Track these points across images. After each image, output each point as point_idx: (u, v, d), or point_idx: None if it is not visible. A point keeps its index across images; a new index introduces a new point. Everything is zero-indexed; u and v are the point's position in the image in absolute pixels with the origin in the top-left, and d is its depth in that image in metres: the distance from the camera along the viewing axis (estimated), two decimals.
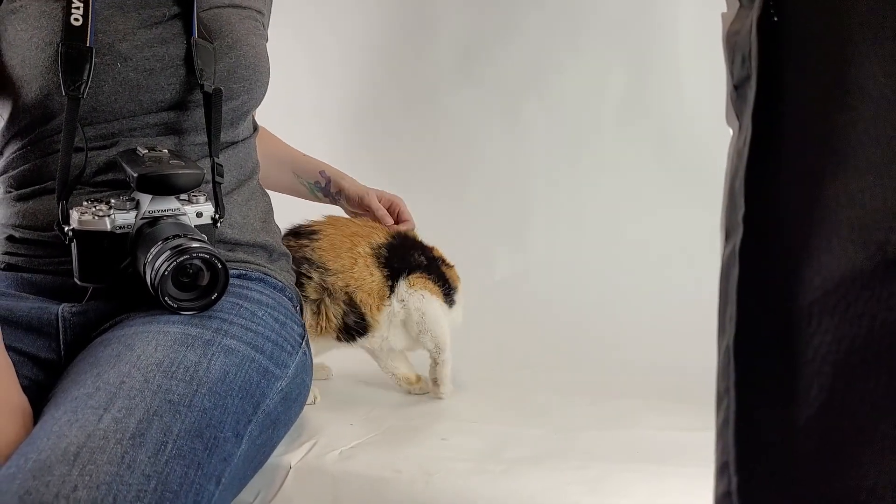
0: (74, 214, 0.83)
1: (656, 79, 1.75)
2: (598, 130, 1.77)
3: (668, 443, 0.95)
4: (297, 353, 0.91)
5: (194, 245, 0.80)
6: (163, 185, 0.83)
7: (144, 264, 0.81)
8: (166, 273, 0.78)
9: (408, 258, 1.15)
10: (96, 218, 0.82)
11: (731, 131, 0.51)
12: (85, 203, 0.84)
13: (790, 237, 0.43)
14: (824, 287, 0.41)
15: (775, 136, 0.45)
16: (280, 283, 0.99)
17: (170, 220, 0.85)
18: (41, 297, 0.88)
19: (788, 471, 0.42)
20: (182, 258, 0.78)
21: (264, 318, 0.89)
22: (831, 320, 0.41)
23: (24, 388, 0.78)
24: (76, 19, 0.85)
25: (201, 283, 0.82)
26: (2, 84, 0.90)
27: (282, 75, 1.36)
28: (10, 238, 0.92)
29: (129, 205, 0.85)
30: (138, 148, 0.86)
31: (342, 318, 1.10)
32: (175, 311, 0.81)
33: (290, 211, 1.18)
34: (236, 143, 0.99)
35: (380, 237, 1.15)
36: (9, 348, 0.80)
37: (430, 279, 1.14)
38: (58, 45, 0.85)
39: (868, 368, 0.40)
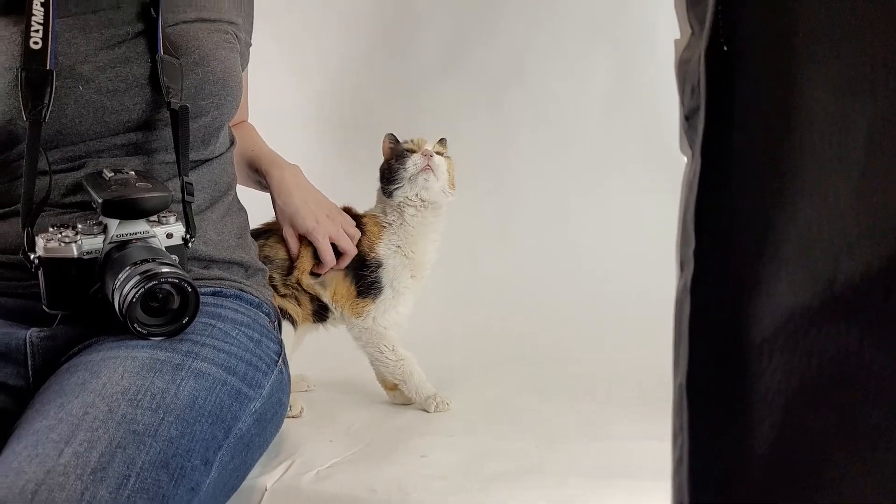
0: (40, 241, 0.82)
1: (640, 69, 1.73)
2: (583, 122, 1.75)
3: (648, 454, 0.94)
4: (272, 371, 0.90)
5: (164, 270, 0.79)
6: (129, 209, 0.82)
7: (113, 290, 0.80)
8: (135, 299, 0.77)
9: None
10: (62, 245, 0.81)
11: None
12: (51, 229, 0.83)
13: (741, 272, 0.43)
14: (774, 323, 0.41)
15: (725, 168, 0.44)
16: (256, 299, 0.98)
17: (139, 244, 0.84)
18: (8, 322, 0.86)
19: None
20: (151, 283, 0.78)
21: (238, 337, 0.88)
22: (781, 357, 0.40)
23: None
24: (35, 42, 0.84)
25: (171, 307, 0.81)
26: None
27: (262, 77, 1.35)
28: None
29: (96, 229, 0.83)
30: (104, 171, 0.85)
31: (311, 303, 1.17)
32: (145, 337, 0.80)
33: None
34: (210, 160, 0.98)
35: None
36: None
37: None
38: (17, 69, 0.84)
39: (817, 405, 0.39)
